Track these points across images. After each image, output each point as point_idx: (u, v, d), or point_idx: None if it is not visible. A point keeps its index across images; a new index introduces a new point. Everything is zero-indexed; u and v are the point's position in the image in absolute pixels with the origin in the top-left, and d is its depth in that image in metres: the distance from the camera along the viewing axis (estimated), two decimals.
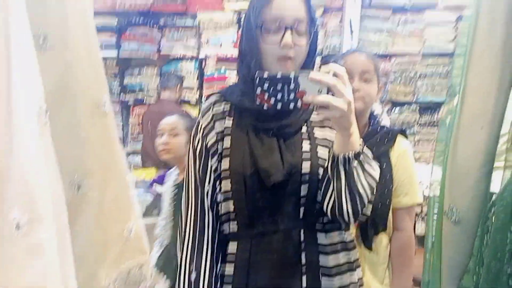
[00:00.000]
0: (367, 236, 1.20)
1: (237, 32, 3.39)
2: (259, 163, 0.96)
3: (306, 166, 0.97)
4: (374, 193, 0.94)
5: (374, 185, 0.91)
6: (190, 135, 1.14)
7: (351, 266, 1.02)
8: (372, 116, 1.30)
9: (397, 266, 1.23)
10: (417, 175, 1.26)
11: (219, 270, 1.01)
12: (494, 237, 0.76)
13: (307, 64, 0.99)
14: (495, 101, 0.69)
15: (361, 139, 0.92)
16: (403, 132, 1.28)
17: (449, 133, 0.75)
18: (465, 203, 0.76)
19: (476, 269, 0.83)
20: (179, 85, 3.21)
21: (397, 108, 3.43)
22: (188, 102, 3.44)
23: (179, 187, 1.74)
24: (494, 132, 0.71)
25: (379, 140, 1.22)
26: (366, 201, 0.91)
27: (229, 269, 1.01)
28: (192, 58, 3.46)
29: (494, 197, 0.80)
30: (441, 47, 3.30)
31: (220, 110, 1.04)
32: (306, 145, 0.99)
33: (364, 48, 3.37)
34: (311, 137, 1.01)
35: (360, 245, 1.22)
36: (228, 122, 1.02)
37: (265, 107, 0.84)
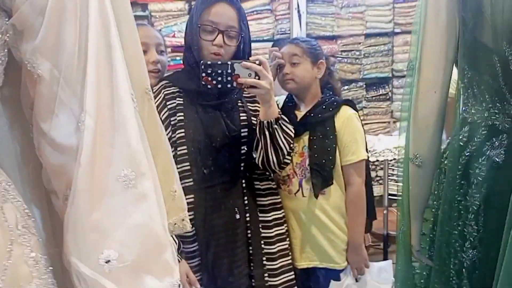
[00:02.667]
0: (314, 187, 1.44)
1: None
2: (209, 131, 1.25)
3: (244, 131, 1.28)
4: (292, 148, 1.29)
5: (291, 141, 1.27)
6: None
7: (278, 206, 1.39)
8: (325, 90, 1.53)
9: (351, 215, 1.48)
10: (362, 137, 1.49)
11: None
12: (447, 175, 0.99)
13: (241, 58, 1.26)
14: (444, 71, 0.92)
15: (279, 110, 1.25)
16: (348, 102, 1.52)
17: (411, 99, 0.97)
18: (425, 150, 0.99)
19: (434, 203, 1.07)
20: None
21: (346, 86, 3.72)
22: None
23: None
24: (444, 95, 0.94)
25: (325, 107, 1.46)
26: (286, 152, 1.25)
27: (190, 216, 1.25)
28: None
29: (445, 145, 1.05)
30: (381, 27, 3.60)
31: (170, 92, 1.29)
32: (243, 116, 1.30)
33: (311, 32, 3.61)
34: (246, 110, 1.31)
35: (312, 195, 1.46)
36: (179, 101, 1.27)
37: (209, 87, 1.12)
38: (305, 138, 1.44)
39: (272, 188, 1.39)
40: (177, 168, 1.24)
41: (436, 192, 1.05)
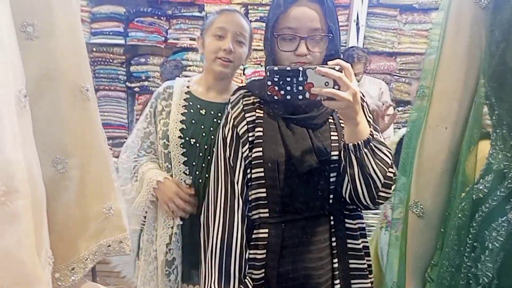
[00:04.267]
0: None
1: None
2: (292, 151, 1.01)
3: (334, 154, 1.03)
4: (390, 177, 0.96)
5: (386, 169, 0.95)
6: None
7: (369, 248, 1.11)
8: None
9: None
10: None
11: (248, 255, 1.03)
12: (458, 233, 0.79)
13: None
14: (459, 104, 0.73)
15: (373, 126, 0.96)
16: None
17: (413, 133, 0.79)
18: (429, 197, 0.80)
19: (443, 262, 0.87)
20: (180, 75, 3.24)
21: (400, 107, 3.45)
22: None
23: None
24: (458, 133, 0.75)
25: None
26: (380, 184, 0.95)
27: (261, 254, 1.02)
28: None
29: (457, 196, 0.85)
30: None
31: (249, 102, 1.09)
32: (334, 135, 1.05)
33: (369, 46, 3.39)
34: (338, 128, 1.06)
35: None
36: (259, 113, 1.07)
37: (275, 98, 0.90)
38: None
39: (365, 228, 1.12)
40: (251, 195, 1.04)
41: (443, 249, 0.85)
